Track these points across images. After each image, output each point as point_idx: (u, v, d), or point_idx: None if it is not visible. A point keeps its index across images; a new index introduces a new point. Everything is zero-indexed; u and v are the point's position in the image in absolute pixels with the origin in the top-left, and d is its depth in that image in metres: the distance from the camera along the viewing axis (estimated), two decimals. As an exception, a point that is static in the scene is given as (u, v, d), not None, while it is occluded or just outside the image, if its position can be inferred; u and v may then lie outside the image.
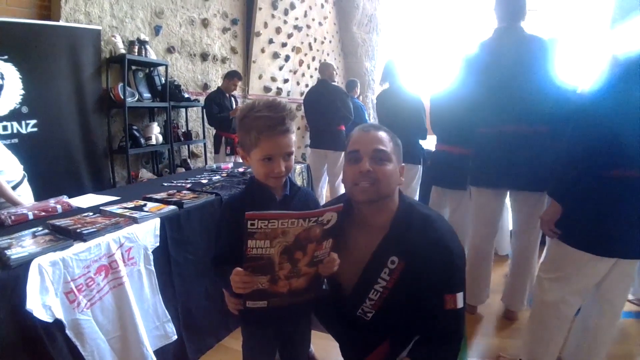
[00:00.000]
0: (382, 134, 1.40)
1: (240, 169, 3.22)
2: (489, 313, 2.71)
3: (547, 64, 2.25)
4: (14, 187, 2.29)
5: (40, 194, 2.46)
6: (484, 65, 2.41)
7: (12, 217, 1.90)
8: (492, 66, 2.37)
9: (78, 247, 1.60)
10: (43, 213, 2.02)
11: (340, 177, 4.74)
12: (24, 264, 1.43)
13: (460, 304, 1.30)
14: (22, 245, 1.55)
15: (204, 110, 5.05)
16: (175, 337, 2.02)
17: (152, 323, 1.92)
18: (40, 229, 1.76)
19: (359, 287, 1.40)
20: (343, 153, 4.66)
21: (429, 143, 3.64)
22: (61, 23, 3.88)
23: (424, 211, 1.40)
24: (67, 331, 1.52)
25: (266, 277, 1.16)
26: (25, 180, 2.43)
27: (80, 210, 2.11)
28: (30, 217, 1.97)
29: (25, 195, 2.37)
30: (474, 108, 2.50)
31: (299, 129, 7.39)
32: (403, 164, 1.45)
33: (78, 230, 1.69)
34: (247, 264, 1.12)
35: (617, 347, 2.24)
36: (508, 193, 2.54)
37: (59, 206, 2.10)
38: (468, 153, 2.63)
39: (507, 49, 2.32)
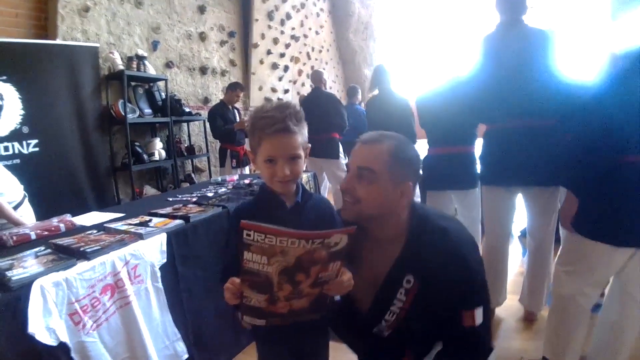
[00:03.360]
0: (381, 148, 1.25)
1: (246, 181, 3.16)
2: (508, 315, 2.63)
3: (551, 56, 2.21)
4: (15, 208, 2.23)
5: (43, 214, 2.40)
6: (488, 59, 2.37)
7: (14, 238, 1.84)
8: (496, 60, 2.32)
9: (82, 266, 1.54)
10: (46, 232, 1.96)
11: None
12: (26, 286, 1.37)
13: (479, 319, 1.22)
14: (24, 266, 1.49)
15: (208, 123, 4.99)
16: (187, 356, 1.94)
17: (162, 343, 1.84)
18: (42, 248, 1.70)
19: (374, 308, 1.32)
20: (339, 161, 4.66)
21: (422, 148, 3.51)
22: (58, 42, 3.87)
23: (441, 223, 1.27)
24: (73, 354, 1.45)
25: (264, 296, 1.06)
26: (26, 200, 2.38)
27: (84, 229, 2.04)
28: (33, 237, 1.91)
29: (26, 216, 2.31)
30: (479, 104, 2.43)
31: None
32: (409, 182, 1.26)
33: (81, 249, 1.62)
34: (243, 276, 1.03)
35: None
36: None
37: (62, 225, 2.05)
38: (470, 150, 2.60)
39: (511, 43, 2.28)
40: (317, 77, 4.78)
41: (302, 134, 1.23)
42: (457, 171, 2.64)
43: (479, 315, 1.22)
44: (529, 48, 2.23)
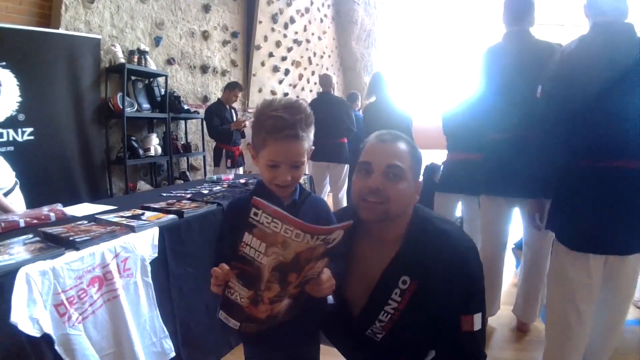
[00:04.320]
0: (402, 146, 1.24)
1: (242, 180, 3.13)
2: (501, 325, 2.62)
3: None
4: (5, 195, 2.19)
5: (35, 205, 2.35)
6: (493, 69, 2.38)
7: (2, 224, 1.78)
8: (501, 70, 2.33)
9: (70, 256, 1.49)
10: (35, 221, 1.91)
11: (344, 189, 4.66)
12: (10, 273, 1.32)
13: (477, 325, 1.20)
14: (10, 253, 1.44)
15: (204, 122, 4.96)
16: (173, 354, 1.89)
17: (149, 339, 1.80)
18: (31, 236, 1.65)
19: (368, 308, 1.28)
20: (346, 166, 4.63)
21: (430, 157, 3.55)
22: (61, 31, 3.83)
23: (442, 226, 1.25)
24: (57, 347, 1.40)
25: (249, 292, 1.00)
26: (17, 187, 2.33)
27: (74, 219, 2.00)
28: (22, 224, 1.86)
29: (16, 203, 2.27)
30: (485, 113, 2.44)
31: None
32: (420, 180, 1.29)
33: (71, 238, 1.58)
34: (235, 262, 0.97)
35: (631, 355, 2.21)
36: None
37: (52, 214, 2.00)
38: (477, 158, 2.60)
39: (517, 54, 2.29)
40: (326, 81, 4.74)
41: (309, 139, 1.19)
42: (471, 176, 2.64)
43: (477, 321, 1.20)
44: (533, 59, 2.22)
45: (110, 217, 1.95)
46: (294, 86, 7.95)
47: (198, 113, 5.41)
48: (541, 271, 2.42)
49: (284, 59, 7.50)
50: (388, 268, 1.23)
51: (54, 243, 1.58)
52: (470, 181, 2.62)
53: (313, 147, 1.24)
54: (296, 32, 7.81)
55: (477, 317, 1.20)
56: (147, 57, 4.61)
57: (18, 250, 1.49)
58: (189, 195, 2.54)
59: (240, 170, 4.92)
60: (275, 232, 0.92)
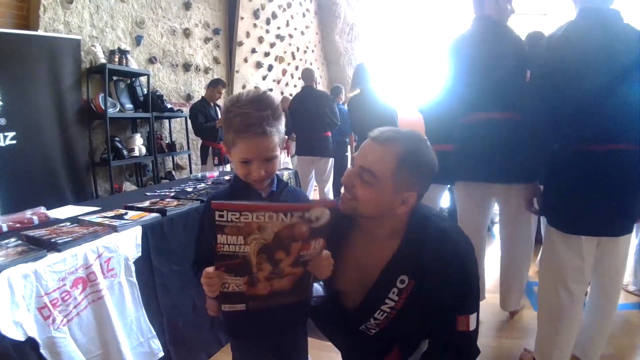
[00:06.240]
0: (387, 149, 1.14)
1: (227, 177, 3.13)
2: (488, 314, 2.59)
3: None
4: None
5: (20, 209, 2.32)
6: (463, 55, 2.33)
7: (-16, 230, 1.77)
8: (470, 55, 2.28)
9: (52, 258, 1.48)
10: (18, 225, 1.89)
11: (329, 183, 4.68)
12: (-8, 277, 1.31)
13: (473, 325, 1.20)
14: (-9, 257, 1.43)
15: (190, 120, 4.94)
16: (162, 354, 1.89)
17: (136, 339, 1.79)
18: (13, 240, 1.64)
19: (364, 306, 1.27)
20: (331, 159, 4.64)
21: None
22: (40, 33, 3.78)
23: (441, 224, 1.21)
24: (42, 350, 1.39)
25: (243, 278, 1.02)
26: None
27: (57, 221, 1.98)
28: (5, 229, 1.84)
29: None
30: (456, 99, 2.40)
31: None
32: (414, 192, 1.17)
33: (52, 240, 1.57)
34: (218, 262, 0.99)
35: (621, 338, 2.23)
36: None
37: (35, 217, 1.98)
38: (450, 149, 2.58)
39: (484, 37, 2.23)
40: (308, 76, 4.75)
41: (279, 132, 1.19)
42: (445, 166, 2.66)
43: (473, 321, 1.20)
44: (504, 41, 2.19)
45: (93, 218, 1.94)
46: (278, 82, 7.94)
47: (182, 112, 5.40)
48: (519, 258, 2.39)
49: (267, 54, 7.48)
50: (387, 267, 1.22)
51: (36, 246, 1.56)
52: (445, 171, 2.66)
53: (286, 137, 1.24)
54: (278, 28, 7.78)
55: (473, 317, 1.20)
56: (129, 56, 4.57)
57: (-1, 254, 1.48)
58: (172, 194, 2.53)
59: (228, 167, 4.91)
60: (248, 222, 0.94)
